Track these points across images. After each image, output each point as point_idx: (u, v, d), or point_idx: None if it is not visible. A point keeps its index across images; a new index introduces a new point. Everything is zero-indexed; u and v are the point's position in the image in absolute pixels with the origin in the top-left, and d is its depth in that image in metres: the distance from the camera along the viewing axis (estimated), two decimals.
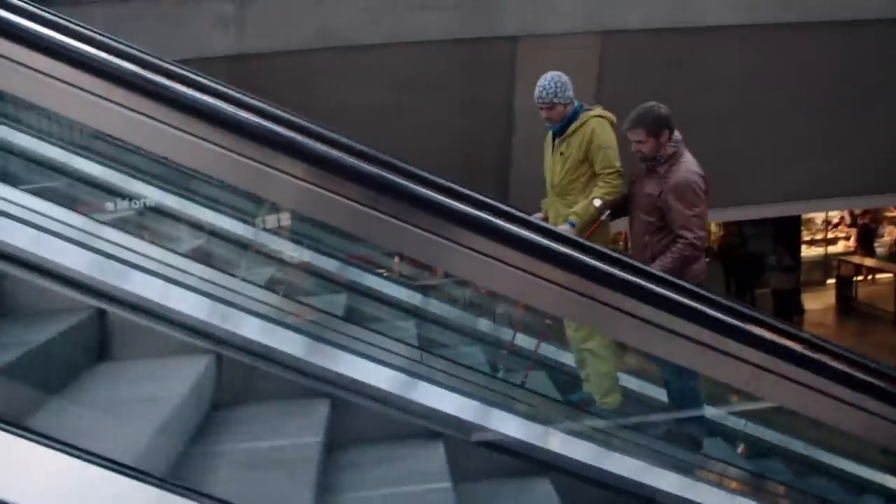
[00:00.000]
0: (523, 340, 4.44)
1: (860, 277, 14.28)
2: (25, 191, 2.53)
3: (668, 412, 4.16)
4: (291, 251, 4.39)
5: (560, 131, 3.93)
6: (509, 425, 2.36)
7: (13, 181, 2.59)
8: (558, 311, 2.31)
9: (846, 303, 13.95)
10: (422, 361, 3.21)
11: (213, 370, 2.05)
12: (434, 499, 1.95)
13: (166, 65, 1.27)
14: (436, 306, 4.67)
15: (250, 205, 4.24)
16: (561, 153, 3.93)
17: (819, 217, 14.74)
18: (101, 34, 1.25)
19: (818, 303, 13.95)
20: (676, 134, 3.73)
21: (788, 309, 12.15)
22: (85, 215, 2.66)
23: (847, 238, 15.49)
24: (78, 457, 1.15)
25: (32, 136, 3.38)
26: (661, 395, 4.31)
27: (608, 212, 3.85)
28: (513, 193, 7.07)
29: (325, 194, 1.28)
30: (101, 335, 2.01)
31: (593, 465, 2.37)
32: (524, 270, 1.34)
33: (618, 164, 3.87)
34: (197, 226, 3.98)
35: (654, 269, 1.49)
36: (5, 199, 2.28)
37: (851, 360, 1.50)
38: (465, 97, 6.90)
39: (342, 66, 6.44)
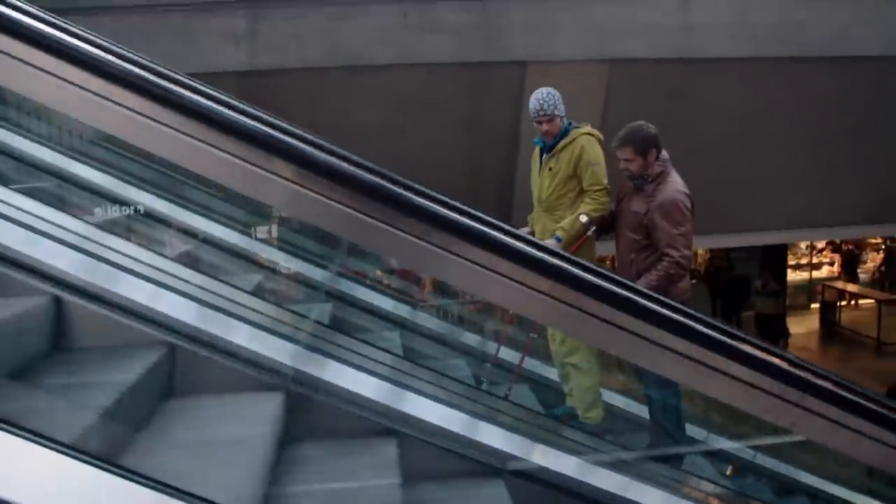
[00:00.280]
0: (507, 355, 4.47)
1: (843, 303, 14.49)
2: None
3: (649, 428, 4.23)
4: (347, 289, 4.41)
5: (549, 147, 4.00)
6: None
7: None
8: (547, 319, 2.33)
9: (830, 328, 14.14)
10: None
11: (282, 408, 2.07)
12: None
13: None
14: (423, 319, 4.73)
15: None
16: (550, 169, 3.99)
17: (804, 242, 14.96)
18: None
19: (802, 327, 14.12)
20: (664, 153, 3.79)
21: (774, 333, 12.30)
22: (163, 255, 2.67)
23: (831, 263, 15.73)
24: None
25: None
26: (643, 411, 4.36)
27: (594, 228, 3.91)
28: (515, 213, 7.13)
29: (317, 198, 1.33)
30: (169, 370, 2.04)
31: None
32: (511, 279, 1.38)
33: (605, 181, 3.93)
34: (249, 260, 4.03)
35: (639, 286, 1.54)
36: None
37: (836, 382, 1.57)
38: (470, 118, 6.97)
39: (351, 84, 6.49)
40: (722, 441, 4.60)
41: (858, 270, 15.55)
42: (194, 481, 1.34)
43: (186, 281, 2.35)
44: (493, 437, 2.40)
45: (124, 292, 2.04)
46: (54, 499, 1.16)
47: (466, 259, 1.37)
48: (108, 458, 1.29)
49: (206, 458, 1.67)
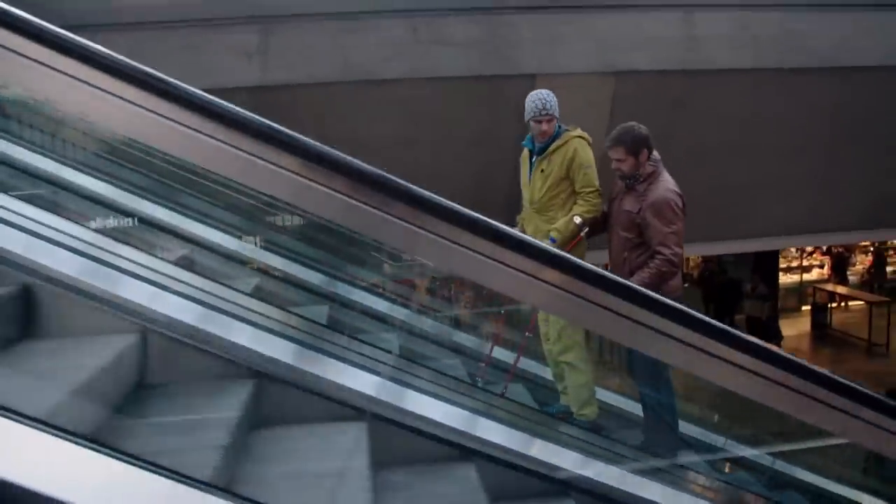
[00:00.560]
0: (501, 355, 4.58)
1: (834, 304, 14.69)
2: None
3: (643, 424, 4.32)
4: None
5: (541, 149, 4.08)
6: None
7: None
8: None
9: (821, 330, 14.33)
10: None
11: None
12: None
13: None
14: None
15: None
16: (542, 171, 4.07)
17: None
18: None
19: (793, 329, 14.31)
20: (655, 154, 3.89)
21: (765, 335, 12.46)
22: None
23: (821, 266, 15.94)
24: None
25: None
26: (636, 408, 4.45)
27: (586, 229, 4.01)
28: None
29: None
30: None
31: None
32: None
33: (597, 183, 4.03)
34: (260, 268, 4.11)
35: (632, 283, 1.63)
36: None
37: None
38: (479, 131, 7.03)
39: (362, 98, 6.54)
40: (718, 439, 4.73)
41: (848, 273, 15.76)
42: None
43: (277, 320, 2.42)
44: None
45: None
46: None
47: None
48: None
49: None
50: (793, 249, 15.42)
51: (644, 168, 3.83)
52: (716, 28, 6.95)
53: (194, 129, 1.37)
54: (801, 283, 15.63)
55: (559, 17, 6.61)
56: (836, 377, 1.70)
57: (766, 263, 13.73)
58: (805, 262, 15.88)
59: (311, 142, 1.44)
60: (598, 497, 2.54)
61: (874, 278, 15.55)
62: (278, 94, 6.39)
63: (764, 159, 7.55)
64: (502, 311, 4.76)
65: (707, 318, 1.59)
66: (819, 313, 14.50)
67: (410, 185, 1.48)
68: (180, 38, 6.31)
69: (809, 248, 15.72)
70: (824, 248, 15.74)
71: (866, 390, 1.71)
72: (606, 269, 3.96)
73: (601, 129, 6.09)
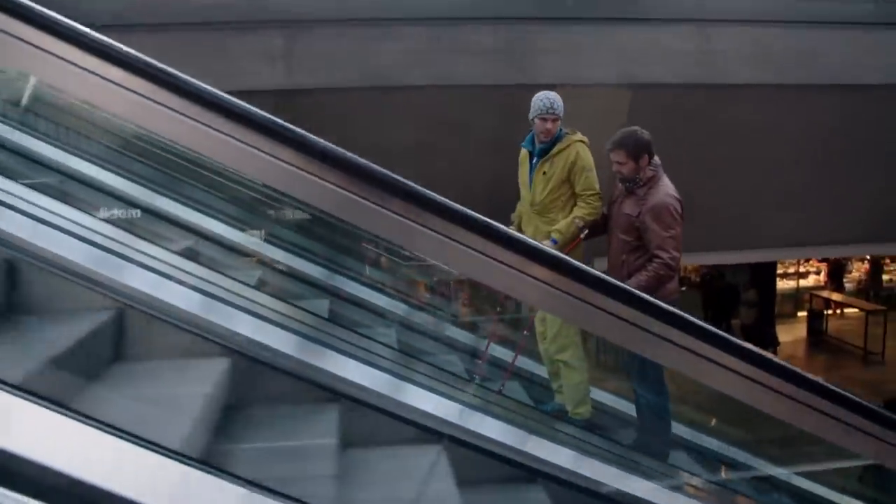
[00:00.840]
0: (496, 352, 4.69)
1: (829, 311, 14.86)
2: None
3: (636, 424, 4.44)
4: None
5: (542, 151, 4.19)
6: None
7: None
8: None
9: (817, 336, 14.48)
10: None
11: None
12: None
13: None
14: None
15: None
16: (544, 172, 4.18)
17: None
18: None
19: (789, 335, 14.44)
20: (656, 159, 3.99)
21: (760, 342, 12.57)
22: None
23: (817, 273, 16.11)
24: None
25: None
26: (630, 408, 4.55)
27: (586, 231, 4.12)
28: None
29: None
30: None
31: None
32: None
33: (597, 186, 4.15)
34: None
35: (629, 285, 1.72)
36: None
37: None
38: (496, 138, 7.12)
39: (383, 104, 6.63)
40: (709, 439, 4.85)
41: (844, 280, 15.93)
42: None
43: (317, 328, 2.52)
44: None
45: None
46: None
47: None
48: None
49: None
50: None
51: (644, 172, 3.93)
52: (730, 43, 7.06)
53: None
54: (798, 290, 15.79)
55: (579, 28, 6.72)
56: (828, 385, 1.80)
57: (764, 270, 13.87)
58: (802, 269, 16.04)
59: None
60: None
61: (870, 287, 15.73)
62: (301, 98, 6.47)
63: (771, 172, 7.67)
64: (499, 310, 4.88)
65: (698, 321, 1.69)
66: (815, 320, 14.65)
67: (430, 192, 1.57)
68: (206, 40, 6.38)
69: None
70: None
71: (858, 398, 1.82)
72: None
73: None
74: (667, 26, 6.91)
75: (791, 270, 15.90)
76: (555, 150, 4.17)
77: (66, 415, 1.33)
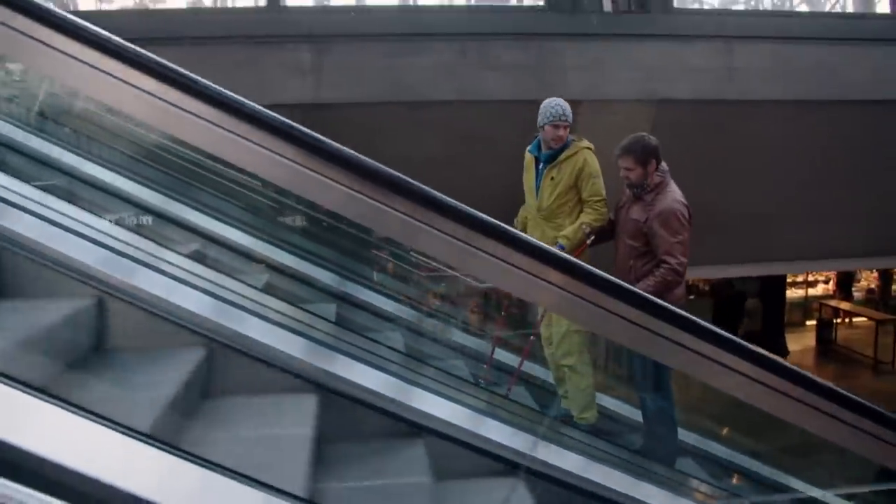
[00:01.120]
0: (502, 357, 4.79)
1: (839, 320, 14.91)
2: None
3: (642, 430, 4.49)
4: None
5: (550, 157, 4.26)
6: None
7: None
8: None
9: (826, 345, 14.54)
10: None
11: None
12: None
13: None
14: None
15: None
16: (552, 178, 4.26)
17: None
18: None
19: (798, 344, 14.50)
20: (664, 165, 4.06)
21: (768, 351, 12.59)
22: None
23: (826, 282, 16.17)
24: None
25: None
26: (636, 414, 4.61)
27: (593, 237, 4.18)
28: None
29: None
30: None
31: None
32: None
33: (604, 192, 4.22)
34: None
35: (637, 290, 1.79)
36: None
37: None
38: (518, 152, 7.20)
39: (411, 118, 6.69)
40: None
41: (853, 289, 15.99)
42: None
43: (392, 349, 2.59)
44: None
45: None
46: None
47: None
48: None
49: None
50: None
51: (652, 178, 3.99)
52: (752, 59, 7.13)
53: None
54: (807, 298, 15.84)
55: (604, 45, 6.79)
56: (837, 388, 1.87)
57: (773, 279, 13.91)
58: (810, 277, 16.09)
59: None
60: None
61: (880, 296, 15.78)
62: (330, 111, 6.53)
63: (792, 186, 7.74)
64: (504, 313, 4.95)
65: (707, 324, 1.77)
66: (824, 329, 14.71)
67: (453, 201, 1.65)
68: (237, 54, 6.45)
69: None
70: None
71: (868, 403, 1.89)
72: None
73: None
74: (690, 43, 6.98)
75: (799, 279, 15.95)
76: (562, 156, 4.26)
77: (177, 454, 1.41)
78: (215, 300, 2.32)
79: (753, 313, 13.44)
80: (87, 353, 2.04)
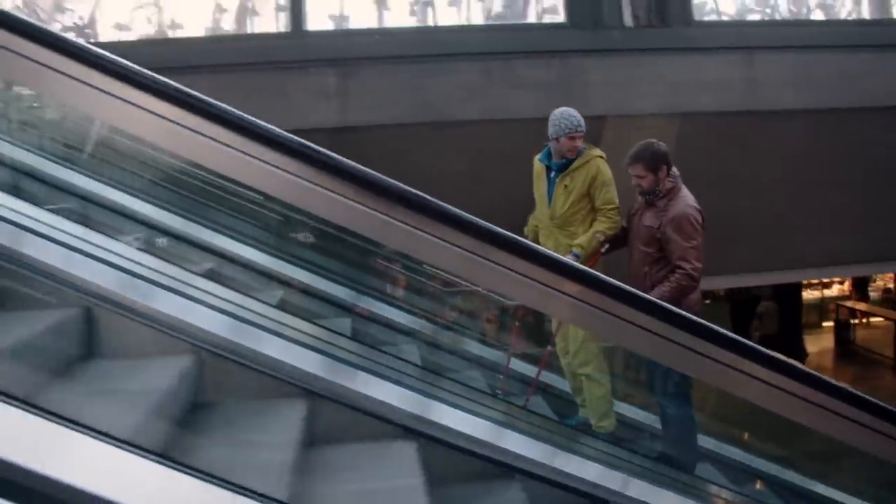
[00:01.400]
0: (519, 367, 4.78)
1: (856, 321, 14.87)
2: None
3: (662, 437, 4.49)
4: None
5: (562, 166, 4.27)
6: None
7: None
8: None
9: (845, 346, 14.49)
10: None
11: None
12: None
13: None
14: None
15: None
16: (565, 186, 4.27)
17: None
18: None
19: (815, 346, 14.46)
20: (674, 170, 4.05)
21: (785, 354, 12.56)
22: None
23: (841, 282, 16.12)
24: None
25: None
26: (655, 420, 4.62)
27: (607, 245, 4.18)
28: None
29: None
30: None
31: None
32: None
33: (617, 201, 4.23)
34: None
35: (652, 297, 1.79)
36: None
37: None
38: None
39: (437, 139, 6.71)
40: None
41: (869, 289, 15.94)
42: None
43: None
44: None
45: None
46: None
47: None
48: None
49: None
50: None
51: (664, 184, 3.99)
52: (775, 69, 7.14)
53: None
54: (822, 300, 15.81)
55: (628, 60, 6.81)
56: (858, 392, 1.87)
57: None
58: (826, 279, 16.03)
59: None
60: None
61: None
62: (356, 134, 6.55)
63: (817, 195, 7.73)
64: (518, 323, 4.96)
65: (724, 331, 1.77)
66: (842, 330, 14.66)
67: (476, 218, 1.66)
68: (261, 79, 6.47)
69: None
70: None
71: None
72: None
73: None
74: (712, 55, 6.99)
75: (815, 281, 15.89)
76: (575, 164, 4.29)
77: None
78: (320, 355, 2.33)
79: (770, 316, 13.41)
80: (185, 412, 2.05)
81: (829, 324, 15.25)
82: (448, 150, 6.71)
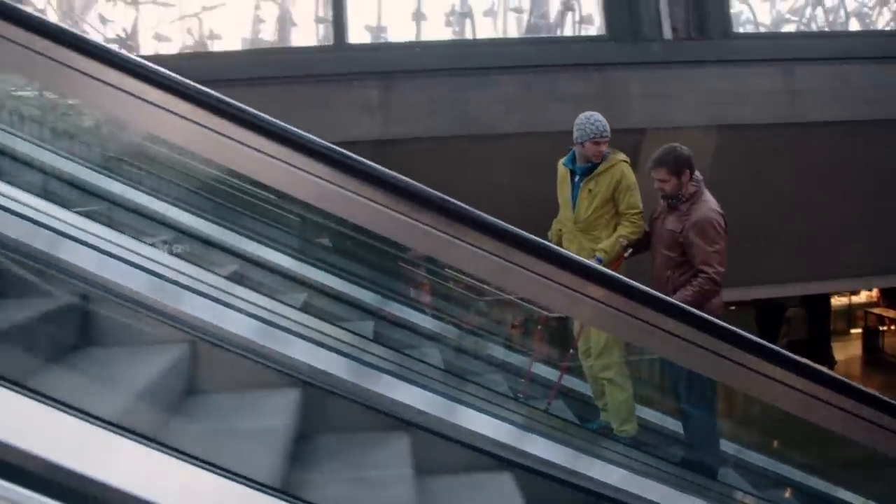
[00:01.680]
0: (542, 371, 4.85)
1: (884, 328, 14.76)
2: None
3: (684, 442, 4.50)
4: None
5: (587, 171, 4.30)
6: None
7: None
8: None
9: (873, 354, 14.39)
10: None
11: None
12: None
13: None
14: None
15: None
16: (590, 190, 4.29)
17: None
18: None
19: (843, 353, 14.36)
20: (697, 174, 4.05)
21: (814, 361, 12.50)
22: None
23: (869, 289, 16.00)
24: None
25: None
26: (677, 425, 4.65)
27: (630, 250, 4.20)
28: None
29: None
30: None
31: None
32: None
33: (640, 205, 4.25)
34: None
35: (675, 301, 1.82)
36: None
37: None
38: None
39: (477, 151, 6.76)
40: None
41: None
42: None
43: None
44: None
45: None
46: None
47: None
48: None
49: None
50: None
51: (686, 188, 4.00)
52: (814, 81, 7.14)
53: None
54: (850, 306, 15.70)
55: (667, 72, 6.84)
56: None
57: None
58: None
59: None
60: None
61: None
62: (398, 147, 6.62)
63: (855, 205, 7.72)
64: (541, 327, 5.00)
65: (748, 335, 1.79)
66: (871, 337, 14.57)
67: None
68: (304, 92, 6.55)
69: None
70: None
71: None
72: None
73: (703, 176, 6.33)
74: (752, 67, 7.01)
75: None
76: (600, 168, 4.32)
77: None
78: (427, 392, 2.39)
79: (797, 322, 13.35)
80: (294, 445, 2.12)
81: (857, 331, 15.14)
82: (489, 162, 6.76)
